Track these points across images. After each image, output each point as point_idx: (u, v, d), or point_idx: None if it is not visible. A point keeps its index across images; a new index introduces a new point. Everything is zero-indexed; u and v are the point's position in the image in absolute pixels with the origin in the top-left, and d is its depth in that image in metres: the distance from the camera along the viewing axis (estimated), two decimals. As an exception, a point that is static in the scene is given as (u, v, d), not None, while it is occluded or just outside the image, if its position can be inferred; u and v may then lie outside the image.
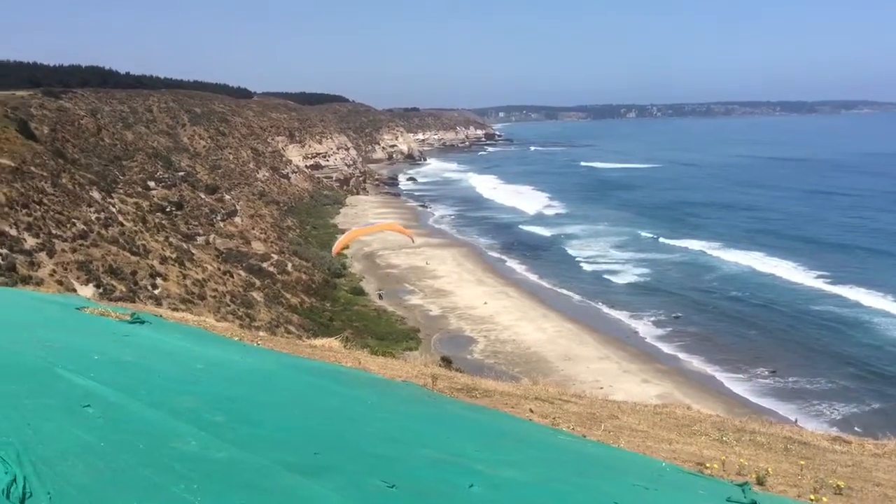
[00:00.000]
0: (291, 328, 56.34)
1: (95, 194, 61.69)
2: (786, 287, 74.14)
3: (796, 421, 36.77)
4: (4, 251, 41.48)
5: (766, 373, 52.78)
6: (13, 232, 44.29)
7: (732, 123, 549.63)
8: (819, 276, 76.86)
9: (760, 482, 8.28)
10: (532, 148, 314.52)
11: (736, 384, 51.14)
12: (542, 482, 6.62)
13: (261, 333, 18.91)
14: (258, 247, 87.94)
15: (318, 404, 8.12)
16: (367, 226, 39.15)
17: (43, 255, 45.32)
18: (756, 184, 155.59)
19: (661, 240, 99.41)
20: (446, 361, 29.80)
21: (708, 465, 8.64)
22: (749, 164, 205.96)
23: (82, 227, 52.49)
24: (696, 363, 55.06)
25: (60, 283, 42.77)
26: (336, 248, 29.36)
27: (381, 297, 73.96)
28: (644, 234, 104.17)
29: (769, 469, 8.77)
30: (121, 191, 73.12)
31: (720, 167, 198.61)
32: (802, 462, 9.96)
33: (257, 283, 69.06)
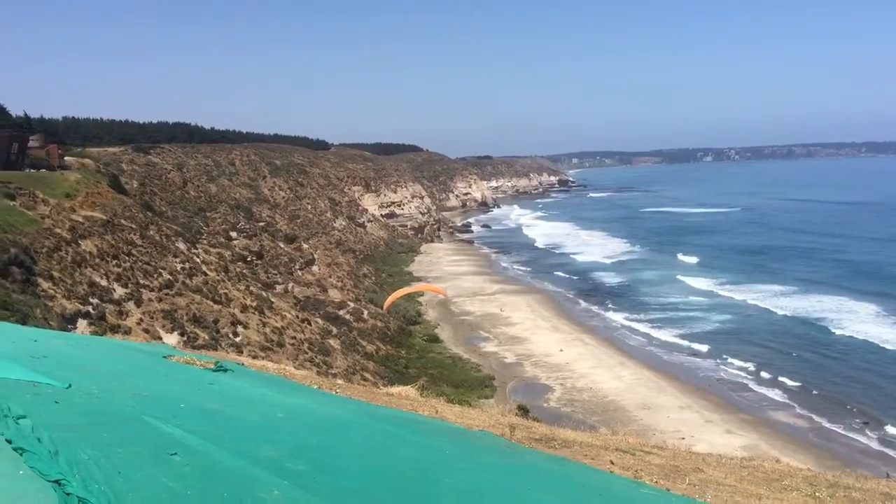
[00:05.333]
0: (367, 375, 56.69)
1: (181, 245, 63.89)
2: (871, 335, 70.62)
3: (888, 475, 34.80)
4: (95, 301, 43.14)
5: (858, 424, 50.29)
6: (103, 282, 46.11)
7: (813, 166, 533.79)
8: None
9: (858, 542, 7.83)
10: (593, 195, 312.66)
11: (825, 436, 48.85)
12: (626, 538, 6.43)
13: (338, 381, 19.10)
14: (335, 295, 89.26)
15: (397, 454, 8.11)
16: (409, 286, 41.16)
17: (131, 305, 46.97)
18: (827, 231, 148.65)
19: (739, 286, 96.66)
20: (523, 410, 29.39)
21: (801, 522, 8.24)
22: (822, 209, 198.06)
23: (168, 276, 54.30)
24: (782, 414, 52.93)
25: (147, 331, 44.18)
26: (386, 305, 30.85)
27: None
28: (721, 279, 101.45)
29: (867, 528, 8.31)
30: (204, 241, 75.61)
31: (791, 212, 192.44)
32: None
33: (334, 330, 69.92)
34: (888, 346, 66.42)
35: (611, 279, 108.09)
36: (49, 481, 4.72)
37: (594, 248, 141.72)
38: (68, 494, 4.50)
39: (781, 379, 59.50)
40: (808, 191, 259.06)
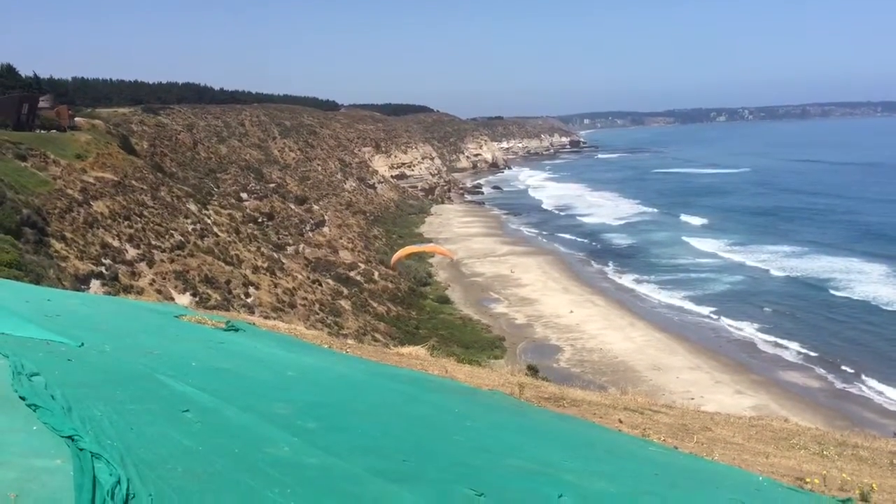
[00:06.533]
0: (378, 336, 57.05)
1: (192, 206, 64.02)
2: (880, 296, 70.21)
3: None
4: (108, 262, 43.44)
5: (868, 385, 50.37)
6: (116, 243, 46.36)
7: (827, 126, 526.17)
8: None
9: (865, 498, 7.86)
10: (603, 156, 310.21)
11: (835, 396, 48.96)
12: (634, 494, 6.47)
13: (349, 341, 19.21)
14: (345, 256, 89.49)
15: (406, 412, 8.17)
16: (418, 245, 40.99)
17: (143, 265, 47.29)
18: (838, 193, 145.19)
19: (749, 247, 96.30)
20: (532, 370, 29.58)
21: (808, 479, 8.29)
22: (834, 170, 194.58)
23: (179, 238, 54.53)
24: (792, 374, 52.99)
25: (159, 291, 44.51)
26: (394, 261, 30.83)
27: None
28: (731, 241, 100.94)
29: (874, 485, 8.34)
30: (215, 202, 75.67)
31: (803, 173, 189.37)
32: (911, 479, 9.46)
33: (345, 291, 70.23)
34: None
35: (620, 241, 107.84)
36: (62, 437, 4.77)
37: (604, 209, 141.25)
38: (81, 450, 4.55)
39: (791, 340, 59.43)
40: (821, 151, 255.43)
